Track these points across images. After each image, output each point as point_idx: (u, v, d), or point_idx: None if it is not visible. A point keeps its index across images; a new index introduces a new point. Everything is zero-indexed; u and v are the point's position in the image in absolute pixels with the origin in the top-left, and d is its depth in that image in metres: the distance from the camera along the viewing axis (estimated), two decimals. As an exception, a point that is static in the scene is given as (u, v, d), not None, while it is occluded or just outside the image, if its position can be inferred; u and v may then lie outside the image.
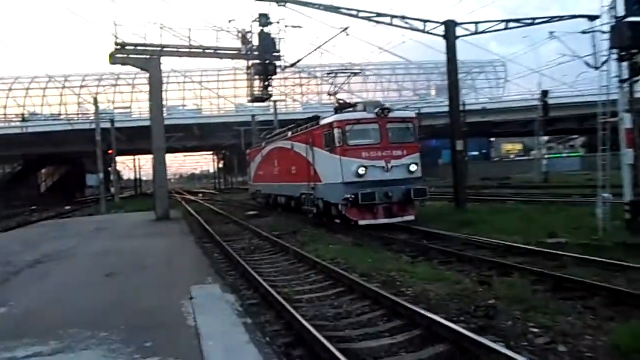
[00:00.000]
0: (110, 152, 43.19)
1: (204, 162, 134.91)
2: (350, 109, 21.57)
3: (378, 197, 19.76)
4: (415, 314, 9.55)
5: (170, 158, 60.89)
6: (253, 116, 51.15)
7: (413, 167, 20.66)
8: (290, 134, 26.21)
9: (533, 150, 63.75)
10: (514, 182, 43.78)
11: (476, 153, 76.68)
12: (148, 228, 22.73)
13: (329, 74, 22.96)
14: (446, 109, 24.25)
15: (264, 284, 11.69)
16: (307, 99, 67.64)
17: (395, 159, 20.42)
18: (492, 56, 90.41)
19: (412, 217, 20.30)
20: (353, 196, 19.72)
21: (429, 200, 21.09)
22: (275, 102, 46.78)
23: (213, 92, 62.72)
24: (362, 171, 19.99)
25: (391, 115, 20.79)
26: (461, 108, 25.38)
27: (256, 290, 11.63)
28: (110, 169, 50.18)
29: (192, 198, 51.35)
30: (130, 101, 65.37)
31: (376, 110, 20.62)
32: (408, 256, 14.87)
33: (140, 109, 61.44)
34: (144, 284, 11.55)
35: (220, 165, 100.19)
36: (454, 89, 23.34)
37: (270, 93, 27.54)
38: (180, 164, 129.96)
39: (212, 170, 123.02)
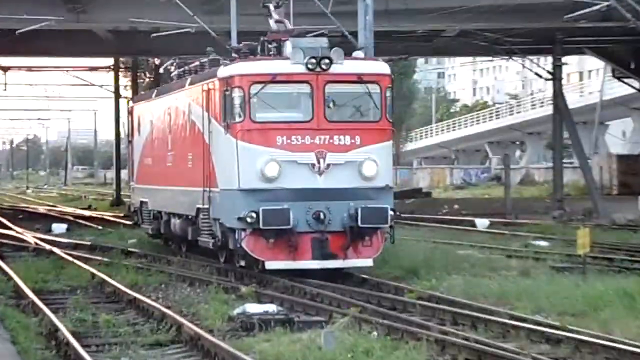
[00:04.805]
0: None
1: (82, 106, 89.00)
2: (271, 52, 18.24)
3: (297, 219, 17.15)
4: None
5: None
6: None
7: (369, 168, 17.66)
8: (189, 80, 21.56)
9: None
10: None
11: None
12: None
13: None
14: None
15: None
16: None
17: (336, 150, 17.66)
18: None
19: (367, 261, 17.62)
20: (253, 214, 17.07)
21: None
22: None
23: None
24: (271, 170, 17.47)
25: (336, 68, 17.55)
26: None
27: None
28: None
29: (30, 238, 29.76)
30: None
31: (308, 59, 17.34)
32: None
33: None
34: None
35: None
36: None
37: None
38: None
39: (106, 137, 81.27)
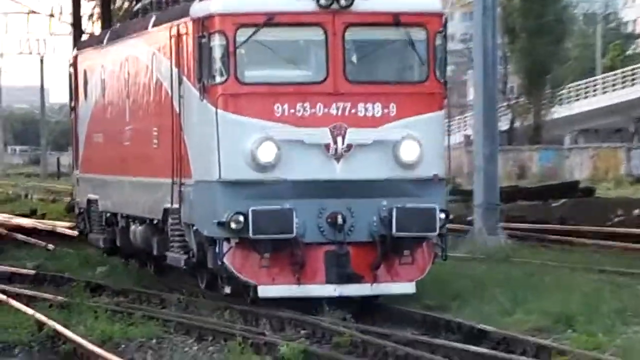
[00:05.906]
0: None
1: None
2: None
3: (304, 224, 19.49)
4: None
5: None
6: None
7: (409, 150, 20.03)
8: (153, 19, 24.23)
9: None
10: None
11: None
12: None
13: None
14: None
15: None
16: None
17: (361, 124, 20.03)
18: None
19: (407, 286, 20.18)
20: (240, 217, 19.34)
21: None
22: None
23: None
24: (266, 153, 19.80)
25: (361, 5, 19.91)
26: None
27: None
28: None
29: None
30: None
31: None
32: None
33: None
34: None
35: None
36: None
37: None
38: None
39: (60, 99, 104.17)
